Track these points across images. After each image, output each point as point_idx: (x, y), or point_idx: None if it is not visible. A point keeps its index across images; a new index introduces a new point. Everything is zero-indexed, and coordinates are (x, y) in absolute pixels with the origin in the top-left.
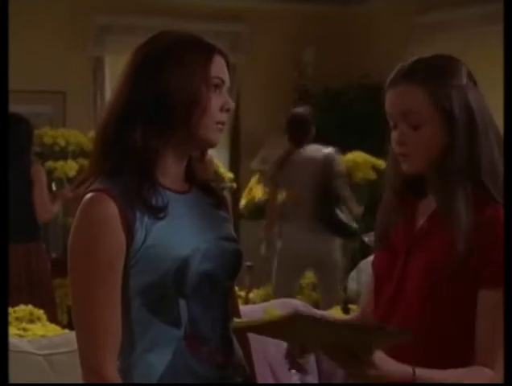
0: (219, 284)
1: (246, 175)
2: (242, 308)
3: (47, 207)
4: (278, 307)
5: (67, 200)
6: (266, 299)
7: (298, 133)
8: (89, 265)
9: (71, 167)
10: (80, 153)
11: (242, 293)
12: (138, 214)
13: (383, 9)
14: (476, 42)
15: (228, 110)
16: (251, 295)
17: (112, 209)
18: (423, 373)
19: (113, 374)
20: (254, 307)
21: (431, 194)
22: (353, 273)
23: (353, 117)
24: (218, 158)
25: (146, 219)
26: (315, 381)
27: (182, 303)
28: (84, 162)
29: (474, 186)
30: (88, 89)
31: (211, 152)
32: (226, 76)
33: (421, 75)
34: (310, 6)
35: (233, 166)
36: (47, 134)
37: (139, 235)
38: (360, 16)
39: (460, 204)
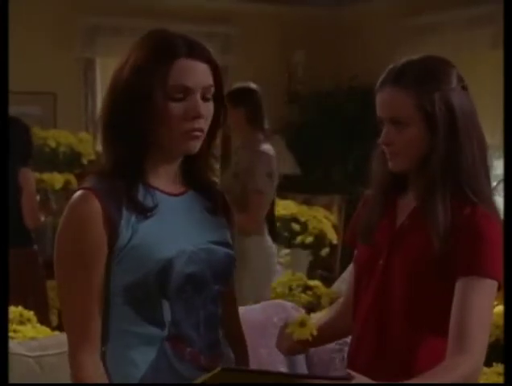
0: (206, 287)
1: None
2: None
3: (35, 215)
4: (270, 308)
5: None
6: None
7: None
8: (71, 259)
9: (58, 179)
10: (70, 154)
11: None
12: (124, 213)
13: (373, 11)
14: (467, 44)
15: (195, 117)
16: None
17: (95, 207)
18: None
19: (94, 370)
20: (248, 308)
21: (411, 192)
22: (344, 275)
23: (343, 119)
24: None
25: (133, 218)
26: None
27: (165, 304)
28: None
29: (453, 187)
30: (78, 90)
31: None
32: (194, 81)
33: (409, 79)
34: (300, 8)
35: None
36: (37, 135)
37: (125, 233)
38: (350, 18)
39: (438, 204)
